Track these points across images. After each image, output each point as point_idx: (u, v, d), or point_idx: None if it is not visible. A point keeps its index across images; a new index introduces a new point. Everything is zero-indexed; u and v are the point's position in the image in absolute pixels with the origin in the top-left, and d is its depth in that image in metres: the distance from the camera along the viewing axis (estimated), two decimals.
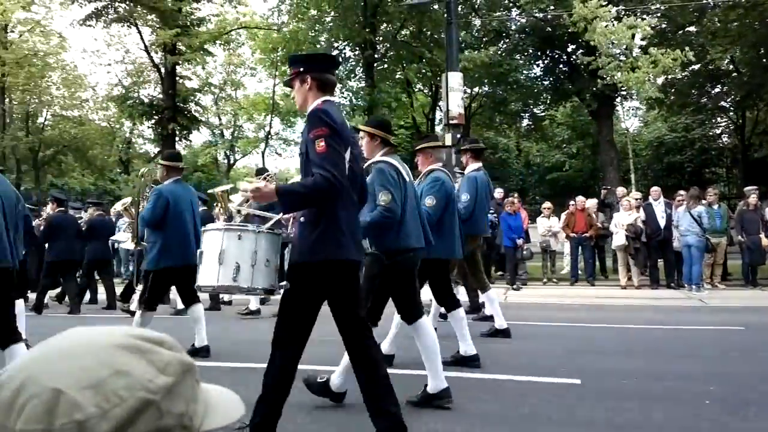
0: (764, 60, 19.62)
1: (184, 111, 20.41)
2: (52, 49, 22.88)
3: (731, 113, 24.35)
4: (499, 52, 19.52)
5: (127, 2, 18.32)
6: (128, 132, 30.13)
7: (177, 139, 20.89)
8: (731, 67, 20.63)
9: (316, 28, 17.07)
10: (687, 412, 3.98)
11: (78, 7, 18.85)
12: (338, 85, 17.93)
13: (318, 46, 17.43)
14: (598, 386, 4.63)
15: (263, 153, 28.47)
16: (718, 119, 26.55)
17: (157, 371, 0.61)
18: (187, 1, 18.97)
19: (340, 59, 18.19)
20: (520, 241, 11.26)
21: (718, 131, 28.13)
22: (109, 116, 27.85)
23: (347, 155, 2.92)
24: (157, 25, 18.68)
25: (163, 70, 19.18)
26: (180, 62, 19.16)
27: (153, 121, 20.54)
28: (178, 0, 18.56)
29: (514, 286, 11.31)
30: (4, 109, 22.19)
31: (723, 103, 22.80)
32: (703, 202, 11.21)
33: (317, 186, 2.80)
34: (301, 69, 3.10)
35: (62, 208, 9.22)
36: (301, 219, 3.04)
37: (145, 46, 19.75)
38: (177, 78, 19.99)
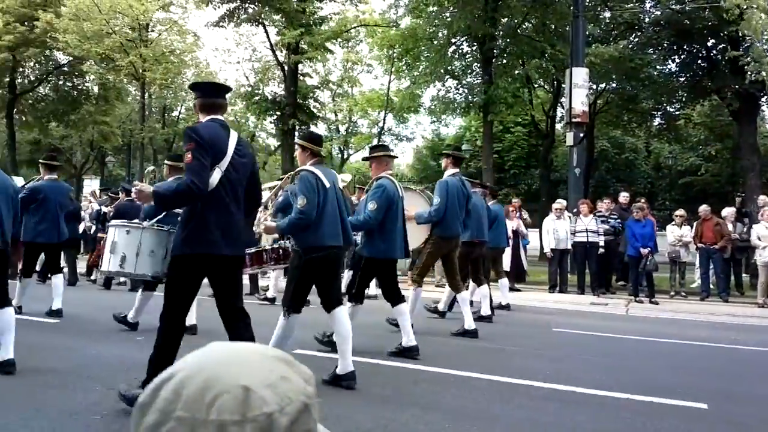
0: None
1: (304, 107, 21.19)
2: (187, 47, 24.72)
3: None
4: (630, 46, 18.24)
5: (257, 3, 19.29)
6: (252, 126, 31.88)
7: (296, 134, 21.72)
8: None
9: (435, 23, 16.91)
10: None
11: (212, 9, 20.14)
12: (454, 81, 17.91)
13: (435, 42, 17.32)
14: (727, 413, 4.25)
15: None
16: None
17: (305, 382, 0.69)
18: (310, 1, 19.64)
19: (458, 54, 17.97)
20: (645, 251, 10.35)
21: None
22: (236, 111, 29.67)
23: (221, 166, 3.48)
24: (283, 25, 19.51)
25: (286, 68, 20.01)
26: (302, 60, 19.89)
27: (275, 117, 21.52)
28: (303, 1, 19.26)
29: (637, 299, 10.51)
30: (143, 103, 24.34)
31: None
32: None
33: (180, 191, 3.42)
34: (194, 95, 3.87)
35: (130, 198, 9.91)
36: (178, 218, 3.84)
37: (271, 45, 20.71)
38: (299, 75, 20.77)
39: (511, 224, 11.77)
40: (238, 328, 3.71)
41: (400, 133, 31.23)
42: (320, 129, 29.06)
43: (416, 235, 6.49)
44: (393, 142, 31.28)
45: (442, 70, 17.22)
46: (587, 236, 11.24)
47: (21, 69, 25.37)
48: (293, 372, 0.69)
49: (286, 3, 18.72)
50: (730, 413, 4.22)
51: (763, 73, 13.22)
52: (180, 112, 29.43)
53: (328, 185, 4.49)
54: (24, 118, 26.21)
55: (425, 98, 22.00)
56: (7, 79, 24.64)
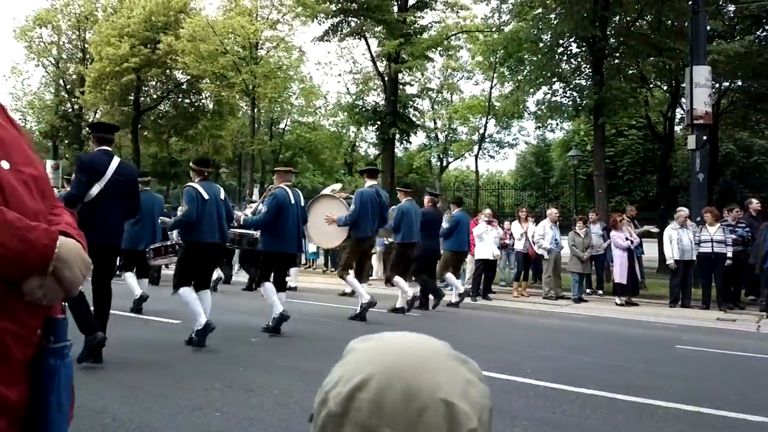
0: None
1: (404, 116, 21.35)
2: (293, 62, 25.82)
3: None
4: (758, 41, 16.72)
5: (359, 16, 19.75)
6: (353, 136, 32.65)
7: (397, 142, 21.95)
8: None
9: (540, 26, 16.41)
10: None
11: (317, 24, 20.87)
12: (562, 84, 17.22)
13: (540, 44, 16.78)
14: None
15: (476, 156, 28.52)
16: None
17: (480, 380, 0.67)
18: (411, 11, 19.79)
19: (565, 56, 17.27)
20: None
21: None
22: (337, 122, 30.58)
23: (100, 182, 5.06)
24: (383, 36, 19.82)
25: (386, 78, 20.28)
26: (402, 70, 20.08)
27: (376, 126, 21.85)
28: (403, 11, 19.46)
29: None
30: (254, 117, 25.67)
31: None
32: None
33: (64, 198, 5.01)
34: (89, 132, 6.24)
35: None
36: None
37: (372, 57, 21.10)
38: (398, 84, 20.99)
39: (620, 235, 11.11)
40: (102, 301, 5.21)
41: (501, 139, 30.64)
42: (419, 137, 29.24)
43: (338, 235, 8.30)
44: (495, 148, 30.75)
45: (548, 73, 16.64)
46: (713, 246, 10.39)
47: (144, 88, 27.72)
48: (469, 371, 0.67)
49: (387, 14, 19.00)
50: None
51: None
52: (286, 125, 30.74)
53: (207, 197, 6.10)
54: (146, 134, 28.49)
55: (530, 103, 21.42)
56: (132, 98, 26.98)
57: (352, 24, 20.25)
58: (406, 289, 8.85)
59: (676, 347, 7.24)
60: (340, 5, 19.69)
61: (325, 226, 8.15)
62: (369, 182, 8.29)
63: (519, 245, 12.30)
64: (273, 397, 4.35)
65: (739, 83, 18.97)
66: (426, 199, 10.12)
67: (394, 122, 19.97)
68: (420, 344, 0.68)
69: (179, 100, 28.33)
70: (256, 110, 25.65)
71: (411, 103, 22.87)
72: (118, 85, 25.00)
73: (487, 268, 11.46)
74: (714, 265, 10.43)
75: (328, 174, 34.97)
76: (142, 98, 27.76)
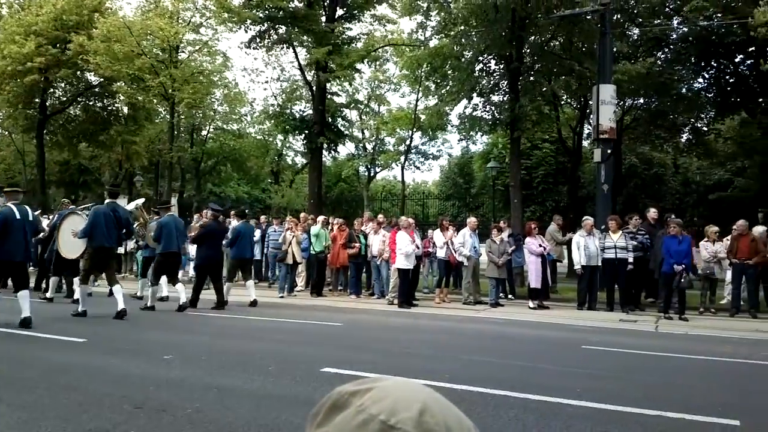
0: None
1: (332, 125, 21.52)
2: (216, 67, 25.27)
3: None
4: (658, 63, 18.23)
5: (287, 24, 19.76)
6: (280, 145, 32.41)
7: (325, 152, 22.06)
8: None
9: (462, 42, 17.13)
10: None
11: (243, 31, 20.68)
12: (481, 99, 18.09)
13: (462, 60, 17.50)
14: (760, 429, 4.31)
15: (403, 166, 29.13)
16: None
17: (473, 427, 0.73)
18: (339, 22, 20.04)
19: (484, 73, 18.10)
20: (679, 268, 10.24)
21: None
22: (264, 130, 30.22)
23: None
24: (311, 45, 19.93)
25: (314, 87, 20.39)
26: (330, 79, 20.26)
27: (303, 135, 21.89)
28: (331, 21, 19.68)
29: (667, 315, 10.41)
30: (172, 123, 24.82)
31: None
32: None
33: None
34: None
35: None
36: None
37: (300, 65, 21.15)
38: (327, 94, 21.15)
39: (534, 242, 11.82)
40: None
41: (427, 150, 31.44)
42: (348, 147, 29.49)
43: (79, 246, 9.73)
44: (420, 159, 31.49)
45: (468, 88, 17.38)
46: (616, 253, 11.23)
47: (51, 90, 25.76)
48: (464, 417, 0.74)
49: (315, 24, 19.15)
50: (764, 430, 4.24)
51: None
52: (208, 132, 30.02)
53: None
54: (54, 139, 26.52)
55: (453, 116, 22.23)
56: (38, 101, 25.10)
57: (280, 31, 20.25)
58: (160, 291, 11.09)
59: (582, 347, 7.73)
60: (267, 12, 19.63)
61: (71, 239, 9.74)
62: (108, 200, 9.83)
63: (441, 253, 12.79)
64: (186, 417, 4.24)
65: (641, 101, 20.54)
66: (209, 213, 11.74)
67: (322, 131, 20.09)
68: (419, 387, 0.72)
69: (90, 103, 26.65)
70: (175, 115, 24.86)
71: (339, 113, 23.07)
72: (21, 86, 23.40)
73: (408, 276, 11.83)
74: (617, 269, 11.25)
75: (254, 183, 34.49)
76: (49, 101, 25.97)
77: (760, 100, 16.74)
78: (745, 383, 5.90)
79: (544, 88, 17.65)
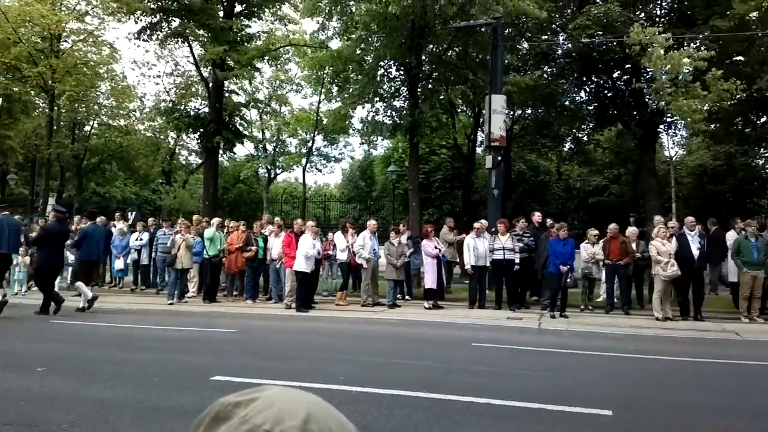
0: None
1: (230, 125, 20.89)
2: (103, 59, 23.72)
3: None
4: (545, 76, 19.42)
5: (181, 17, 18.93)
6: (172, 143, 30.97)
7: (221, 152, 21.40)
8: None
9: (362, 47, 17.29)
10: None
11: (133, 21, 19.55)
12: (382, 104, 18.35)
13: (364, 64, 17.66)
14: (629, 418, 4.63)
15: (304, 168, 28.91)
16: (762, 149, 25.76)
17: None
18: (238, 18, 19.52)
19: (386, 78, 18.39)
20: (564, 268, 10.97)
21: (761, 162, 27.32)
22: (154, 127, 28.68)
23: None
24: (207, 41, 19.25)
25: (211, 84, 19.71)
26: (228, 77, 19.68)
27: (198, 134, 21.06)
28: (230, 17, 19.13)
29: (551, 314, 11.07)
30: (52, 117, 22.99)
31: None
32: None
33: None
34: None
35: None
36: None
37: (195, 61, 20.35)
38: (224, 92, 20.53)
39: (430, 244, 12.19)
40: None
41: (329, 153, 31.40)
42: (247, 148, 28.77)
43: None
44: (322, 162, 31.40)
45: (370, 92, 17.57)
46: (504, 254, 11.83)
47: None
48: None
49: (212, 19, 18.49)
50: (633, 419, 4.62)
51: (662, 104, 14.47)
52: (92, 127, 28.00)
53: None
54: None
55: (355, 119, 22.40)
56: None
57: (173, 24, 19.35)
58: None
59: (472, 345, 8.09)
60: (159, 3, 18.70)
61: None
62: (1, 213, 10.32)
63: (343, 256, 12.83)
64: None
65: (529, 111, 21.81)
66: (52, 215, 11.86)
67: (219, 130, 19.44)
68: (304, 394, 0.72)
69: None
70: (54, 109, 23.02)
71: (238, 111, 22.44)
72: None
73: (307, 279, 11.78)
74: (505, 269, 11.89)
75: (143, 183, 32.66)
76: None
77: (635, 113, 18.28)
78: (618, 376, 6.40)
79: (442, 96, 18.21)
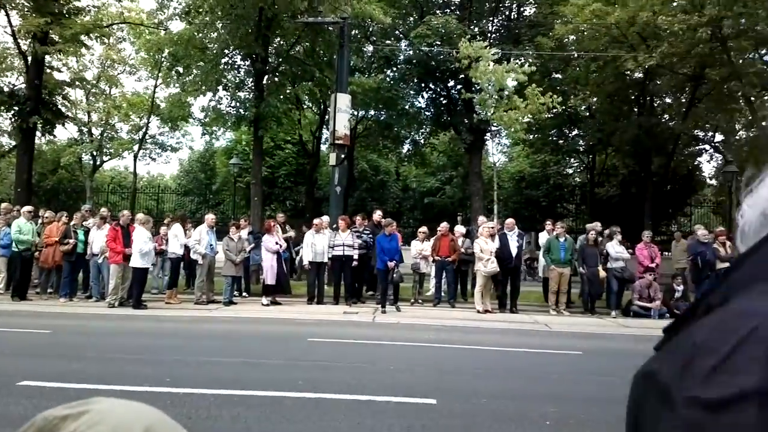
0: (617, 110, 22.13)
1: (50, 104, 18.80)
2: None
3: (584, 155, 27.04)
4: (388, 79, 20.21)
5: None
6: None
7: (39, 133, 19.20)
8: (588, 113, 22.95)
9: (205, 32, 16.57)
10: None
11: None
12: (226, 93, 17.74)
13: (208, 51, 16.93)
14: (452, 406, 4.97)
15: (136, 156, 26.93)
16: (572, 159, 29.44)
17: None
18: None
19: (230, 67, 17.81)
20: (391, 264, 11.52)
21: (570, 170, 31.18)
22: None
23: None
24: (28, 10, 17.12)
25: (30, 58, 17.55)
26: (51, 52, 17.68)
27: (12, 113, 18.65)
28: None
29: (383, 308, 11.44)
30: None
31: (581, 144, 25.27)
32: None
33: None
34: None
35: None
36: None
37: (12, 32, 17.98)
38: (45, 68, 18.42)
39: (271, 239, 12.12)
40: None
41: (165, 141, 29.46)
42: (70, 130, 26.11)
43: None
44: (157, 150, 29.38)
45: (213, 81, 16.88)
46: (344, 250, 12.15)
47: None
48: None
49: None
50: (456, 407, 4.97)
51: (488, 113, 15.81)
52: None
53: None
54: None
55: (196, 107, 21.35)
56: None
57: None
58: None
59: (308, 340, 8.20)
60: None
61: None
62: None
63: (177, 250, 12.24)
64: None
65: (372, 113, 22.57)
66: None
67: (37, 110, 17.45)
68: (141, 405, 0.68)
69: None
70: None
71: (60, 90, 20.23)
72: None
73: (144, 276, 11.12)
74: (344, 265, 12.21)
75: None
76: None
77: (466, 120, 19.79)
78: (444, 365, 6.88)
79: (288, 90, 18.12)
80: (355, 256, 12.23)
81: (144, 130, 26.90)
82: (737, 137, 24.14)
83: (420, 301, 12.91)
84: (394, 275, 11.50)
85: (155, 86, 25.23)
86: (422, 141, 24.80)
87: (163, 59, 21.03)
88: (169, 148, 29.50)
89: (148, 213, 16.09)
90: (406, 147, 25.62)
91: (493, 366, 7.06)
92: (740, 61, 17.83)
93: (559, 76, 21.03)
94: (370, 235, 12.78)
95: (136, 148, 27.00)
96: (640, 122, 20.43)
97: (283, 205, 28.02)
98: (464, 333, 9.47)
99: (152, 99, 25.48)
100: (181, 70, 18.35)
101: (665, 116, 22.62)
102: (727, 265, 10.99)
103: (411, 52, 20.28)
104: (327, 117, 19.54)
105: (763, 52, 18.78)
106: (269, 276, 11.97)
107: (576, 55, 19.76)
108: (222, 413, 4.57)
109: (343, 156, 15.31)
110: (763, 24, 15.37)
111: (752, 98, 17.12)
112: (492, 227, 12.51)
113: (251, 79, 17.42)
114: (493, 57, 15.28)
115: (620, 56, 17.48)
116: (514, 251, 12.14)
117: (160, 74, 23.35)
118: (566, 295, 12.36)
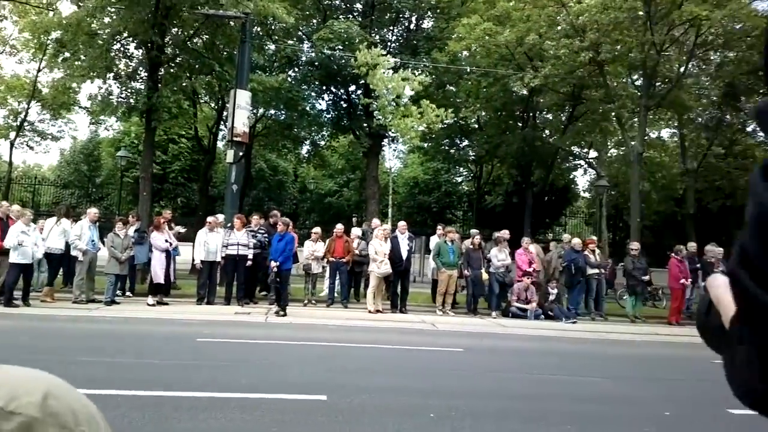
0: (503, 123, 23.60)
1: None
2: None
3: (473, 165, 28.55)
4: (289, 80, 20.13)
5: None
6: None
7: None
8: (477, 126, 24.25)
9: (96, 16, 15.59)
10: (415, 424, 4.69)
11: None
12: (116, 82, 16.75)
13: (97, 38, 15.93)
14: (342, 402, 5.17)
15: (12, 143, 24.76)
16: (462, 169, 30.98)
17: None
18: None
19: (122, 55, 16.92)
20: (273, 264, 11.29)
21: (459, 179, 32.76)
22: None
23: None
24: None
25: None
26: None
27: None
28: None
29: (275, 310, 11.30)
30: None
31: (471, 154, 26.65)
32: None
33: None
34: None
35: None
36: None
37: None
38: None
39: (161, 237, 11.74)
40: None
41: (45, 129, 27.27)
42: None
43: None
44: (35, 138, 27.11)
45: (102, 68, 15.91)
46: (238, 249, 12.02)
47: None
48: None
49: None
50: (346, 403, 5.14)
51: (385, 120, 16.29)
52: None
53: None
54: None
55: (82, 95, 20.02)
56: None
57: None
58: None
59: (197, 340, 8.08)
60: None
61: None
62: None
63: (60, 245, 11.53)
64: None
65: (273, 112, 22.37)
66: None
67: None
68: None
69: None
70: None
71: None
72: None
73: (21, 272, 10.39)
74: (237, 264, 12.08)
75: None
76: None
77: (365, 125, 20.19)
78: (334, 363, 7.07)
79: (185, 83, 17.52)
80: (250, 256, 12.13)
81: (23, 115, 24.82)
82: (609, 154, 26.63)
83: (313, 301, 13.02)
84: (276, 278, 11.35)
85: (38, 70, 23.39)
86: (322, 143, 24.92)
87: (48, 42, 19.55)
88: (50, 137, 27.38)
89: (23, 205, 14.94)
90: (305, 148, 25.62)
91: (383, 363, 7.38)
92: (615, 84, 19.70)
93: (452, 88, 22.04)
94: (266, 235, 12.73)
95: (12, 135, 24.81)
96: (524, 136, 21.94)
97: (174, 201, 26.92)
98: (356, 332, 9.73)
99: (34, 83, 23.60)
100: (68, 55, 17.15)
101: (546, 132, 24.43)
102: (597, 271, 12.22)
103: (313, 54, 20.35)
104: (225, 113, 19.12)
105: (635, 77, 20.93)
106: (158, 274, 11.56)
107: (469, 70, 20.82)
108: (105, 413, 4.46)
109: (241, 154, 15.08)
110: (636, 51, 17.08)
111: (623, 119, 18.94)
112: (386, 230, 12.91)
113: (145, 69, 16.65)
114: (389, 66, 15.76)
115: (508, 74, 18.70)
116: (404, 253, 12.61)
117: (44, 58, 21.67)
118: (452, 296, 13.04)
